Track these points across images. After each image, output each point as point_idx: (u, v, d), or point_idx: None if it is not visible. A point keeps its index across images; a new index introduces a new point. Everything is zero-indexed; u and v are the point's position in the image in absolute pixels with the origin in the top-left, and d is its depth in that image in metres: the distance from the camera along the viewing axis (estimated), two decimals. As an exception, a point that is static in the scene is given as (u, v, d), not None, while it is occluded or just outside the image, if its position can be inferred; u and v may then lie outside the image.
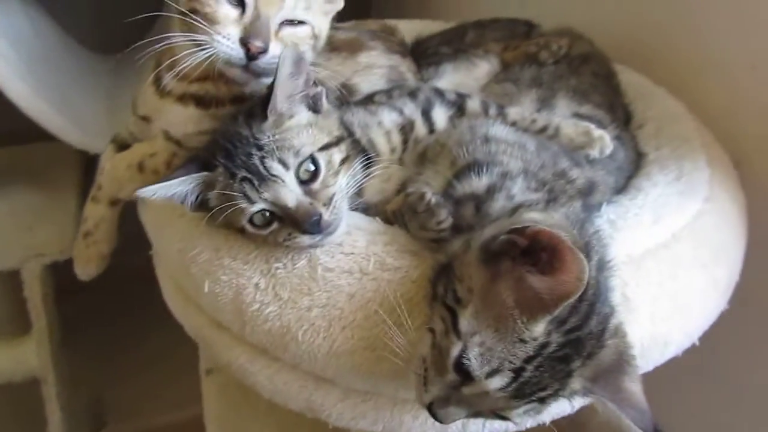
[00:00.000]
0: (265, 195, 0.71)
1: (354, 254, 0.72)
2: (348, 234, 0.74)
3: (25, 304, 1.58)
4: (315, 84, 0.78)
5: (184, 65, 0.73)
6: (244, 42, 0.74)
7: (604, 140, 0.83)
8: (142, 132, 0.86)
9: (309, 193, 0.72)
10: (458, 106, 0.85)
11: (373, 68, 0.89)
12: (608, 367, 0.61)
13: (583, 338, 0.59)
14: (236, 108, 0.78)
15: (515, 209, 0.67)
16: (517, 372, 0.58)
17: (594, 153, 0.83)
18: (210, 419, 1.44)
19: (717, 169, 0.91)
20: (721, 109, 1.06)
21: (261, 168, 0.71)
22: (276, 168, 0.71)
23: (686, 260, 0.77)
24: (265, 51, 0.74)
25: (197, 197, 0.74)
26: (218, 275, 0.74)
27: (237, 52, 0.74)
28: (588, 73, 1.04)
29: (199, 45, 0.73)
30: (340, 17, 1.35)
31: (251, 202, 0.71)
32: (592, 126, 0.85)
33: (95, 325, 1.91)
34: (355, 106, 0.84)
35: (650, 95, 1.08)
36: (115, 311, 2.02)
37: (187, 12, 0.74)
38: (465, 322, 0.59)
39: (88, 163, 1.55)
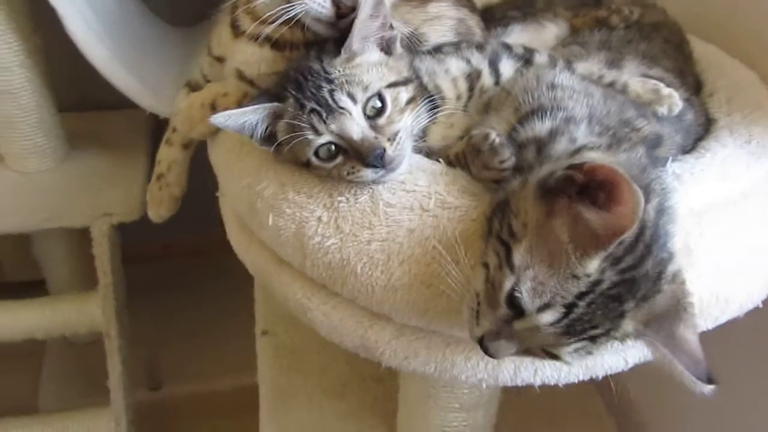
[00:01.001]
0: (332, 127, 0.73)
1: (415, 191, 0.73)
2: (410, 173, 0.75)
3: (93, 262, 1.66)
4: (391, 27, 0.80)
5: (269, 13, 0.76)
6: (335, 1, 0.76)
7: (673, 98, 0.82)
8: (215, 73, 0.89)
9: (375, 127, 0.75)
10: (525, 59, 0.85)
11: (442, 19, 0.90)
12: (663, 312, 0.60)
13: (638, 279, 0.59)
14: (308, 49, 0.80)
15: (577, 150, 0.67)
16: (569, 307, 0.58)
17: (663, 110, 0.81)
18: (263, 380, 1.48)
19: (791, 136, 0.89)
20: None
21: (330, 100, 0.73)
22: (344, 101, 0.73)
23: (754, 218, 0.75)
24: (354, 8, 0.76)
25: (266, 128, 0.77)
26: (282, 208, 0.77)
27: (328, 11, 0.76)
28: (659, 39, 1.03)
29: (287, 3, 0.76)
30: None
31: (318, 133, 0.73)
32: (662, 84, 0.83)
33: (156, 292, 1.99)
34: (424, 54, 0.85)
35: (722, 65, 1.05)
36: (174, 281, 2.11)
37: None
38: (519, 256, 0.59)
39: (156, 131, 1.61)
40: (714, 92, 1.00)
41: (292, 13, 0.75)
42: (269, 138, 0.78)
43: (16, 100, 1.64)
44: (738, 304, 0.74)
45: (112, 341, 1.64)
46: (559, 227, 0.58)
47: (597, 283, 0.58)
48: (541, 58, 0.85)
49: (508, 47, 0.87)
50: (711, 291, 0.72)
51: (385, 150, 0.73)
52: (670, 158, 0.79)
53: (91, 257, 1.65)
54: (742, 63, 1.06)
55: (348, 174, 0.74)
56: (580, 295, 0.58)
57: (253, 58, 0.82)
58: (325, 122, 0.73)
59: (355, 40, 0.76)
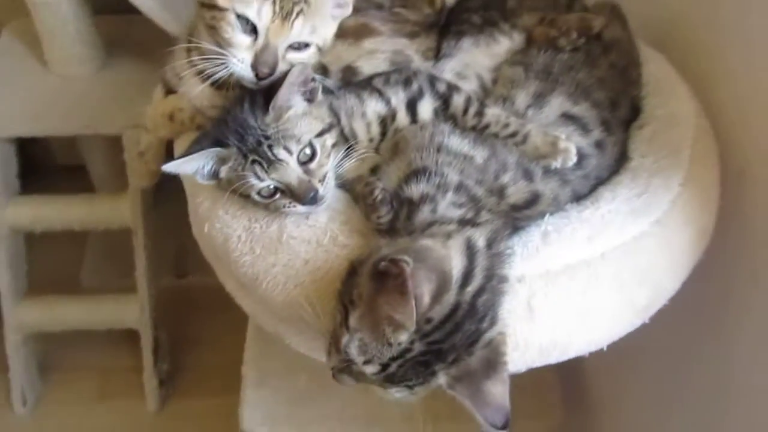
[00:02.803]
0: (273, 175, 0.88)
1: (315, 227, 0.88)
2: (316, 209, 0.89)
3: (124, 166, 1.86)
4: (313, 80, 0.92)
5: (205, 67, 0.90)
6: (254, 67, 0.88)
7: (568, 152, 0.90)
8: (177, 84, 1.02)
9: (307, 171, 0.89)
10: (444, 100, 0.95)
11: (377, 53, 0.98)
12: (475, 371, 0.75)
13: (445, 350, 0.74)
14: (242, 92, 0.92)
15: (430, 224, 0.80)
16: (384, 366, 0.74)
17: (556, 164, 0.91)
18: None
19: (690, 188, 0.95)
20: (732, 117, 1.07)
21: (269, 154, 0.87)
22: (282, 154, 0.88)
23: (604, 280, 0.86)
24: (272, 74, 0.88)
25: (211, 168, 0.91)
26: (213, 222, 0.93)
27: (248, 73, 0.89)
28: (604, 65, 1.07)
29: (219, 56, 0.89)
30: None
31: (260, 180, 0.88)
32: (562, 137, 0.91)
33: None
34: (349, 91, 0.95)
35: (669, 92, 1.08)
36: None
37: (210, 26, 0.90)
38: (353, 321, 0.75)
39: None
40: (645, 124, 1.05)
41: (220, 72, 0.89)
42: (212, 175, 0.92)
43: (54, 11, 1.79)
44: (577, 350, 0.88)
45: (139, 239, 1.89)
46: (381, 304, 0.73)
47: (407, 351, 0.73)
48: (458, 100, 0.94)
49: (432, 84, 0.96)
50: (550, 340, 0.85)
51: (317, 190, 0.88)
52: (548, 214, 0.89)
53: (123, 161, 1.85)
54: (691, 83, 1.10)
55: (284, 207, 0.90)
56: (393, 358, 0.74)
57: (198, 93, 0.95)
58: (266, 171, 0.88)
59: (280, 99, 0.89)
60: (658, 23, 1.23)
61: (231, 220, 0.91)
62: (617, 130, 1.02)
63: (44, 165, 2.26)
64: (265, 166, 0.87)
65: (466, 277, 0.76)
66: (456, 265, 0.76)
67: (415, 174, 0.85)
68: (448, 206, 0.82)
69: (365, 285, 0.75)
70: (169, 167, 0.89)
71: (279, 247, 0.88)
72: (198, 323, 2.18)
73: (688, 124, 1.03)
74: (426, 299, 0.72)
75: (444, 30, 1.14)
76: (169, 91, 1.07)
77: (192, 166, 0.90)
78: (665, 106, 1.07)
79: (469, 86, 1.04)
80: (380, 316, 0.73)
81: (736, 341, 1.08)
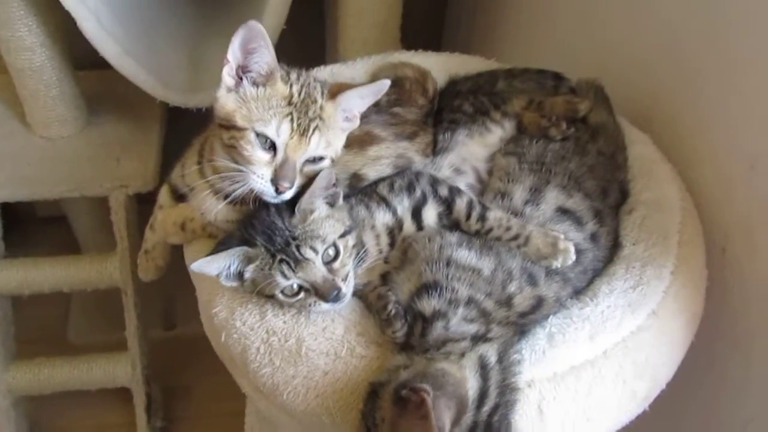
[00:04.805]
0: (300, 274, 0.92)
1: (332, 339, 0.92)
2: (332, 320, 0.93)
3: (110, 224, 1.86)
4: (334, 185, 0.96)
5: (223, 186, 0.93)
6: (274, 182, 0.91)
7: (568, 252, 0.96)
8: (187, 193, 1.05)
9: (331, 271, 0.93)
10: (447, 204, 0.99)
11: (381, 159, 1.03)
12: None
13: None
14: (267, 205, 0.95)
15: (444, 342, 0.84)
16: None
17: (557, 263, 0.96)
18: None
19: (680, 276, 1.01)
20: (715, 194, 1.13)
21: (297, 253, 0.91)
22: (309, 253, 0.91)
23: (608, 378, 0.91)
24: (291, 187, 0.92)
25: (237, 268, 0.94)
26: (231, 332, 0.96)
27: (268, 188, 0.92)
28: (593, 152, 1.13)
29: (238, 172, 0.92)
30: (410, 45, 1.45)
31: (287, 278, 0.92)
32: (561, 237, 0.97)
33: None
34: (357, 200, 0.99)
35: (654, 174, 1.14)
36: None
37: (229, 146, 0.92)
38: None
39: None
40: (634, 209, 1.11)
41: (240, 189, 0.91)
42: (236, 276, 0.95)
43: (38, 77, 1.79)
44: (583, 442, 0.93)
45: (129, 298, 1.90)
46: (403, 428, 0.77)
47: None
48: (460, 204, 0.99)
49: (434, 189, 1.00)
50: (557, 436, 0.90)
51: (341, 289, 0.92)
52: (551, 316, 0.94)
53: (111, 222, 1.85)
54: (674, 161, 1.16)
55: (310, 306, 0.94)
56: None
57: (210, 207, 0.98)
58: (293, 270, 0.91)
59: (305, 203, 0.93)
60: (641, 98, 1.29)
61: (249, 332, 0.94)
62: (608, 219, 1.08)
63: (25, 218, 2.24)
64: (293, 265, 0.91)
65: (482, 397, 0.81)
66: (471, 386, 0.82)
67: (426, 288, 0.89)
68: (459, 322, 0.86)
69: (387, 409, 0.80)
70: (196, 266, 0.91)
71: (298, 360, 0.92)
72: (189, 373, 2.19)
73: (674, 209, 1.09)
74: (447, 427, 0.76)
75: (437, 117, 1.19)
76: (179, 195, 1.09)
77: (218, 266, 0.93)
78: (651, 190, 1.13)
79: (467, 180, 1.09)
80: None
81: (732, 408, 1.15)
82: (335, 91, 0.97)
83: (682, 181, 1.15)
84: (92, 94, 1.96)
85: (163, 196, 1.11)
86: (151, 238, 1.13)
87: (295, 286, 0.92)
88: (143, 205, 1.86)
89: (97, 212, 2.07)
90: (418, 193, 1.00)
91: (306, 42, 1.22)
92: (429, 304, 0.88)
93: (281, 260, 0.91)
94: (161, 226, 1.08)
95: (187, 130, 1.28)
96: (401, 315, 0.88)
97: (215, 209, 0.97)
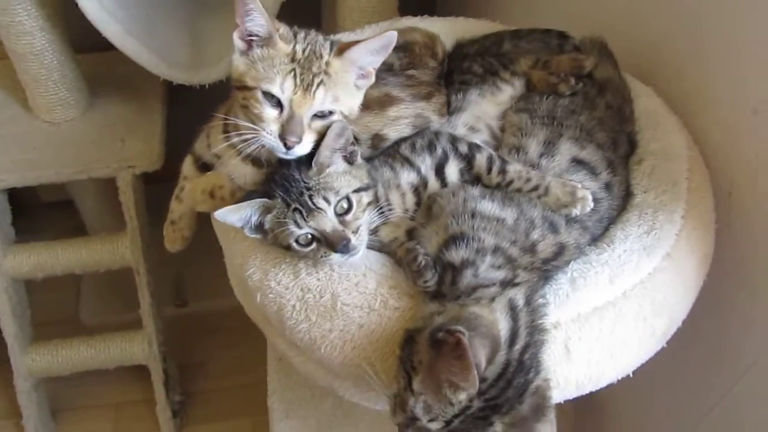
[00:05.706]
0: (311, 222, 0.95)
1: (366, 293, 0.96)
2: (363, 275, 0.97)
3: (118, 208, 1.89)
4: (353, 143, 0.99)
5: (238, 142, 0.97)
6: (282, 137, 0.94)
7: (586, 200, 1.00)
8: (213, 161, 1.08)
9: (342, 222, 0.97)
10: (468, 160, 1.03)
11: (400, 119, 1.06)
12: (525, 417, 0.85)
13: (500, 404, 0.83)
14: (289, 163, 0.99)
15: (474, 289, 0.89)
16: (448, 422, 0.83)
17: (576, 211, 1.00)
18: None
19: (691, 218, 1.06)
20: (719, 142, 1.18)
21: (309, 202, 0.95)
22: (320, 203, 0.95)
23: (628, 317, 0.96)
24: (299, 142, 0.94)
25: (258, 219, 0.98)
26: (266, 293, 0.99)
27: (277, 143, 0.95)
28: (602, 105, 1.16)
29: (252, 131, 0.95)
30: (404, 10, 1.47)
31: (299, 227, 0.95)
32: (578, 186, 1.00)
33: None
34: (381, 162, 1.03)
35: (660, 126, 1.18)
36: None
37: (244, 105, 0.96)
38: (416, 385, 0.84)
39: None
40: (643, 159, 1.15)
41: (253, 146, 0.96)
42: (258, 227, 0.99)
43: (39, 61, 1.80)
44: (608, 380, 0.98)
45: (141, 277, 1.93)
46: (441, 369, 0.82)
47: (467, 408, 0.83)
48: (481, 159, 1.02)
49: (454, 146, 1.04)
50: (585, 375, 0.95)
51: (350, 240, 0.95)
52: (572, 262, 0.98)
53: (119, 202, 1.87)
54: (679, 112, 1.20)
55: (321, 257, 0.97)
56: (455, 416, 0.83)
57: (238, 172, 1.02)
58: (305, 219, 0.95)
59: (322, 156, 0.97)
60: (643, 50, 1.33)
61: (284, 291, 0.98)
62: (620, 169, 1.11)
63: (29, 204, 2.25)
64: (305, 213, 0.95)
65: (513, 337, 0.86)
66: (503, 327, 0.86)
67: (454, 239, 0.93)
68: (488, 269, 0.90)
69: (424, 352, 0.84)
70: (220, 214, 0.95)
71: (334, 314, 0.95)
72: (203, 349, 2.24)
73: (681, 157, 1.13)
74: (483, 364, 0.81)
75: (448, 79, 1.22)
76: (202, 163, 1.11)
77: (240, 216, 0.97)
78: (658, 140, 1.17)
79: (482, 137, 1.13)
80: (441, 379, 0.82)
81: (738, 347, 1.20)
82: (344, 47, 0.99)
83: (688, 130, 1.19)
84: (93, 77, 1.97)
85: (187, 166, 1.14)
86: (178, 209, 1.15)
87: (309, 235, 0.96)
88: (148, 185, 1.90)
89: (102, 194, 2.08)
90: (439, 151, 1.03)
91: (301, 13, 1.24)
92: (458, 254, 0.92)
93: (295, 209, 0.95)
94: (189, 195, 1.11)
95: (190, 108, 1.31)
96: (431, 265, 0.92)
97: (241, 170, 1.00)
